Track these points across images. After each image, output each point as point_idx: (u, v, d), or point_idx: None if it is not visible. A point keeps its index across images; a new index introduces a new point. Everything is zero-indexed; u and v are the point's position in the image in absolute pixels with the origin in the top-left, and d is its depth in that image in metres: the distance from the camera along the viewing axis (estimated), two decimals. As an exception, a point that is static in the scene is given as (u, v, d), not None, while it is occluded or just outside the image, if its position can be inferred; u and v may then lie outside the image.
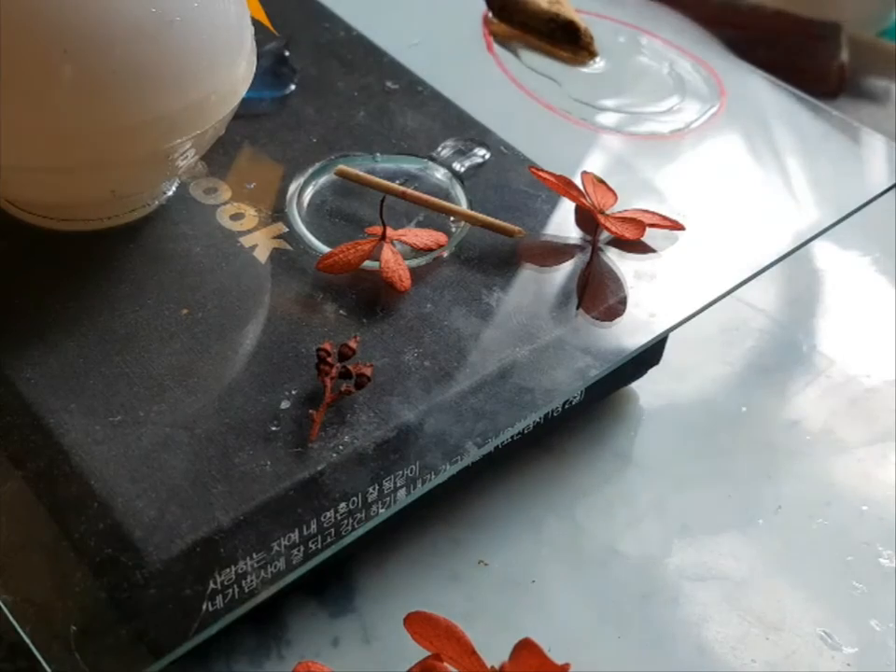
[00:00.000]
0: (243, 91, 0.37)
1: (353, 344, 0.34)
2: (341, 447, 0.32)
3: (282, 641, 0.34)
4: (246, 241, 0.38)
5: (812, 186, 0.43)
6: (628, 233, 0.38)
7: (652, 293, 0.38)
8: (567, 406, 0.38)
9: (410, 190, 0.39)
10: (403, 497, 0.32)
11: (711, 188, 0.43)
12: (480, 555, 0.36)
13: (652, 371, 0.42)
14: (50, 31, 0.32)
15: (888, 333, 0.45)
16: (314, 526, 0.31)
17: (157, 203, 0.39)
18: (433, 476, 0.32)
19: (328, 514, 0.31)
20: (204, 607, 0.29)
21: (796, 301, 0.46)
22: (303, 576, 0.33)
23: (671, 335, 0.39)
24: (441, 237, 0.38)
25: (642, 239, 0.39)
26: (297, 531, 0.31)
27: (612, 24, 0.49)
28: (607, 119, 0.45)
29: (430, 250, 0.38)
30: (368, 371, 0.33)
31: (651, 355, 0.41)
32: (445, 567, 0.36)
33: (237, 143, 0.42)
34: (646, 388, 0.42)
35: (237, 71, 0.36)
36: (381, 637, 0.34)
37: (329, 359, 0.33)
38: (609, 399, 0.41)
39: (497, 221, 0.38)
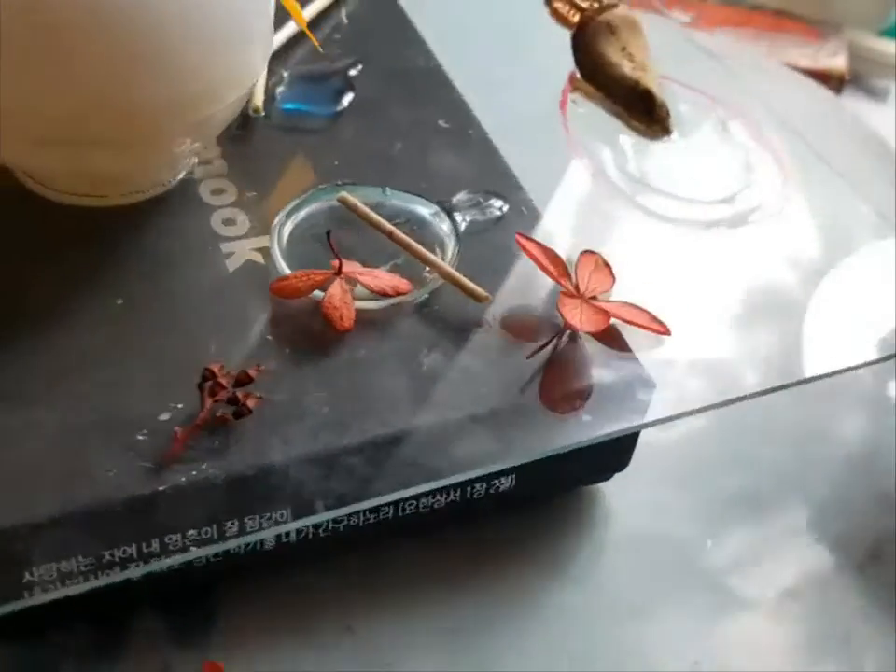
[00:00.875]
0: (258, 73, 0.37)
1: (252, 373, 0.33)
2: (194, 473, 0.31)
3: (118, 657, 0.33)
4: (227, 247, 0.38)
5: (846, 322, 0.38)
6: (588, 325, 0.35)
7: (609, 394, 0.34)
8: (492, 490, 0.35)
9: (397, 231, 0.38)
10: (234, 542, 0.31)
11: (732, 295, 0.39)
12: (351, 621, 0.34)
13: (621, 477, 0.38)
14: (74, 10, 0.32)
15: None
16: (132, 547, 0.30)
17: (159, 190, 0.39)
18: (268, 527, 0.30)
19: (154, 538, 0.30)
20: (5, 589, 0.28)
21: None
22: (161, 595, 0.33)
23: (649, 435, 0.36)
24: (403, 285, 0.36)
25: (635, 332, 0.36)
26: (116, 546, 0.30)
27: (702, 101, 0.46)
28: (655, 199, 0.42)
29: (386, 295, 0.36)
30: (251, 404, 0.32)
31: (613, 458, 0.37)
32: (310, 623, 0.34)
33: (265, 151, 0.42)
34: (612, 491, 0.38)
35: (253, 53, 0.37)
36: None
37: (220, 381, 0.32)
38: (565, 498, 0.38)
39: (468, 282, 0.36)
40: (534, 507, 0.37)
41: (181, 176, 0.40)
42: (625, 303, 0.36)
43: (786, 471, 0.40)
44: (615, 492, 0.38)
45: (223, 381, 0.32)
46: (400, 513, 0.34)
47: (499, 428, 0.33)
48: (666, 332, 0.36)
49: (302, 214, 0.39)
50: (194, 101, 0.35)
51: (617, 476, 0.38)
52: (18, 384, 0.32)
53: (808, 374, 0.36)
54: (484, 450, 0.32)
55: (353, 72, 0.45)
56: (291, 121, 0.43)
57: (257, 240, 0.38)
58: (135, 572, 0.31)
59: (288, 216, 0.39)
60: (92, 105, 0.34)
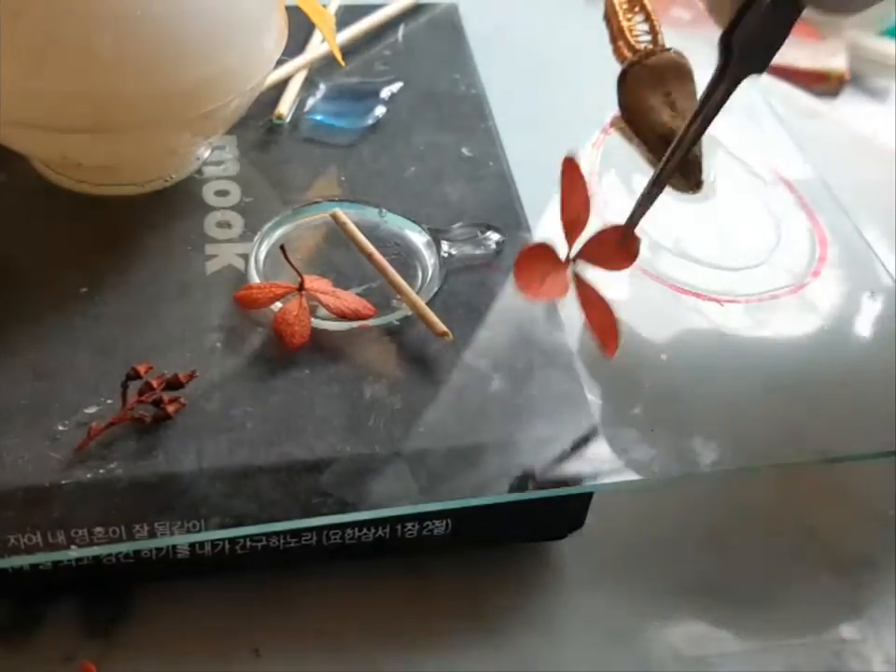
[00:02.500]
0: (271, 63, 0.38)
1: (184, 378, 0.32)
2: (101, 471, 0.31)
3: (25, 640, 0.33)
4: (211, 249, 0.38)
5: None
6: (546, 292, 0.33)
7: (552, 450, 0.33)
8: (426, 532, 0.34)
9: (377, 254, 0.37)
10: (114, 549, 0.31)
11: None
12: (259, 645, 0.33)
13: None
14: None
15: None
16: (38, 536, 0.30)
17: (159, 184, 0.39)
18: (162, 536, 0.30)
19: (59, 529, 0.30)
20: None
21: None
22: (81, 588, 0.33)
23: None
24: (367, 309, 0.35)
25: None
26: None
27: (747, 162, 0.43)
28: (665, 260, 0.40)
29: (345, 318, 0.35)
30: (171, 409, 0.31)
31: (562, 515, 0.35)
32: (218, 644, 0.33)
33: (280, 160, 0.42)
34: (569, 550, 0.36)
35: (266, 41, 0.37)
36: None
37: (150, 382, 0.32)
38: (517, 550, 0.36)
39: (431, 315, 0.35)
40: (479, 555, 0.36)
41: (186, 174, 0.40)
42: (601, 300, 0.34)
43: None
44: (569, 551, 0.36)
45: (154, 382, 0.32)
46: (325, 541, 0.33)
47: (423, 470, 0.32)
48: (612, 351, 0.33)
49: (291, 226, 0.39)
50: (194, 93, 0.35)
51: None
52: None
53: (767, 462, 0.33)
54: (398, 490, 0.31)
55: (390, 91, 0.44)
56: (316, 133, 0.43)
57: (244, 245, 0.38)
58: (41, 559, 0.31)
59: (277, 225, 0.38)
60: (97, 92, 0.34)
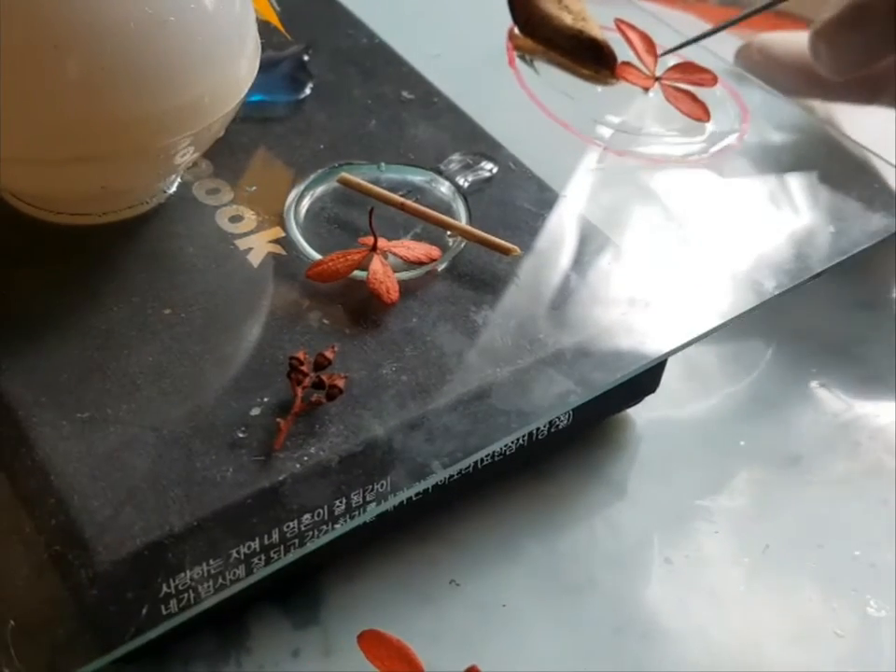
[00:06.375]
0: (242, 92, 0.36)
1: (329, 354, 0.33)
2: (306, 458, 0.32)
3: (242, 648, 0.34)
4: (242, 243, 0.38)
5: (825, 219, 0.42)
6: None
7: (646, 319, 0.37)
8: (553, 430, 0.37)
9: (408, 202, 0.39)
10: (367, 513, 0.32)
11: (720, 214, 0.42)
12: (454, 576, 0.36)
13: (650, 398, 0.41)
14: (42, 26, 0.32)
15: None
16: (275, 536, 0.31)
17: (156, 201, 0.39)
18: (397, 493, 0.32)
19: (290, 525, 0.31)
20: (149, 610, 0.29)
21: (806, 335, 0.45)
22: (271, 584, 0.33)
23: (672, 362, 0.39)
24: (434, 251, 0.37)
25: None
26: (257, 540, 0.31)
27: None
28: (624, 140, 0.44)
29: (422, 263, 0.37)
30: (340, 384, 0.33)
31: (647, 381, 0.40)
32: (417, 585, 0.35)
33: (245, 145, 0.42)
34: (643, 415, 0.41)
35: (236, 72, 0.36)
36: (342, 652, 0.34)
37: (302, 368, 0.33)
38: (602, 424, 0.41)
39: (494, 239, 0.38)
40: (581, 437, 0.40)
41: (177, 184, 0.40)
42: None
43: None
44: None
45: (303, 368, 0.33)
46: (479, 466, 0.36)
47: (569, 367, 0.35)
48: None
49: (308, 200, 0.40)
50: (185, 117, 0.35)
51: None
52: (97, 407, 0.32)
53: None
54: (561, 389, 0.34)
55: (304, 57, 0.46)
56: (258, 113, 0.44)
57: (267, 233, 0.39)
58: (279, 563, 0.31)
59: (296, 203, 0.39)
60: (80, 121, 0.33)
